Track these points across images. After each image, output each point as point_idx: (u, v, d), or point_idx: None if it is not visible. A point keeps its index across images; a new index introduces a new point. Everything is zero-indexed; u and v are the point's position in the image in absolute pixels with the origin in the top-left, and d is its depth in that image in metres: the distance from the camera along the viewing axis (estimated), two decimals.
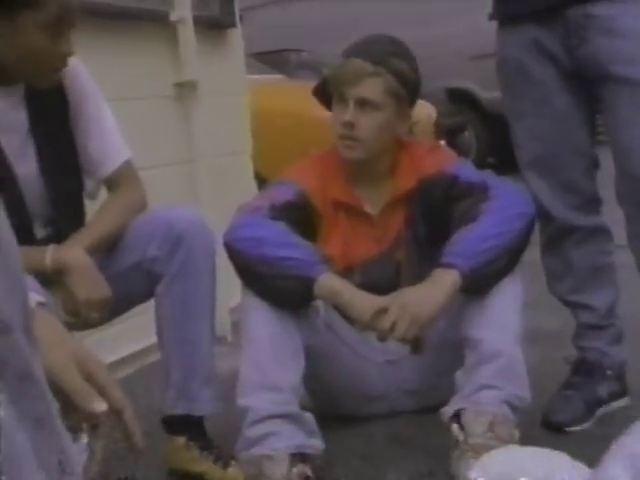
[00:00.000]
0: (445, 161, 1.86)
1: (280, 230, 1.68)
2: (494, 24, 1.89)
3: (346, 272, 1.76)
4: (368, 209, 1.86)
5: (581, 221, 1.87)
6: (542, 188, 1.84)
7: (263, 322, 1.66)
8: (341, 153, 1.82)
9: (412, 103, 1.85)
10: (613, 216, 1.88)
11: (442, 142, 4.54)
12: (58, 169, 1.64)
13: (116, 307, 1.62)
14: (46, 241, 1.59)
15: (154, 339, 1.75)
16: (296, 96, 4.89)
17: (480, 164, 1.87)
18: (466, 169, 1.84)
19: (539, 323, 1.94)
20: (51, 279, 1.51)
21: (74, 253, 1.54)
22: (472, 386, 1.63)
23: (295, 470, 1.57)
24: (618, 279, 1.95)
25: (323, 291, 1.63)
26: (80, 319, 1.53)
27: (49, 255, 1.53)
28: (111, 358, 2.23)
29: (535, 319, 1.82)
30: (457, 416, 1.60)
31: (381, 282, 1.76)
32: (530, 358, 1.70)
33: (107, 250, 1.65)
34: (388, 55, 1.78)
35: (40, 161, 1.61)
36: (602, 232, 1.91)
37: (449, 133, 5.88)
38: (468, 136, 7.22)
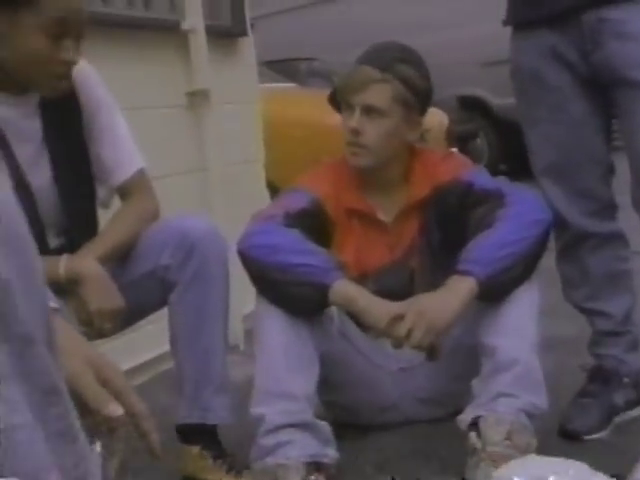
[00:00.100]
0: (460, 168, 1.85)
1: (294, 237, 1.67)
2: (506, 31, 1.89)
3: (360, 280, 1.75)
4: (382, 217, 1.86)
5: (597, 227, 1.86)
6: (557, 195, 1.83)
7: (277, 330, 1.65)
8: (348, 160, 1.82)
9: (423, 111, 1.84)
10: (629, 222, 1.87)
11: (454, 149, 4.53)
12: (72, 178, 1.64)
13: (129, 316, 1.62)
14: (59, 250, 1.59)
15: (167, 347, 1.74)
16: (308, 104, 4.90)
17: (492, 171, 1.87)
18: (481, 176, 1.84)
19: (555, 330, 1.93)
20: (64, 289, 1.51)
21: (88, 263, 1.54)
22: (489, 394, 1.62)
23: (310, 479, 1.56)
24: (634, 285, 1.93)
25: (338, 297, 1.62)
26: (93, 329, 1.53)
27: (63, 265, 1.53)
28: (124, 366, 2.23)
29: (551, 326, 1.81)
30: (474, 424, 1.59)
31: (395, 290, 1.75)
32: (546, 366, 1.68)
33: (120, 259, 1.65)
34: (396, 62, 1.78)
35: (54, 170, 1.61)
36: (618, 238, 1.89)
37: (461, 140, 5.87)
38: (480, 143, 7.22)
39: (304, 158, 3.05)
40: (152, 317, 1.76)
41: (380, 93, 1.76)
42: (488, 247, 1.65)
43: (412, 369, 1.88)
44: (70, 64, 1.52)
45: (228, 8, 3.10)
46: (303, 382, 1.65)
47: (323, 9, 8.01)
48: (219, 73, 2.89)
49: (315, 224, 1.76)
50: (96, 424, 0.78)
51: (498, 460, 1.47)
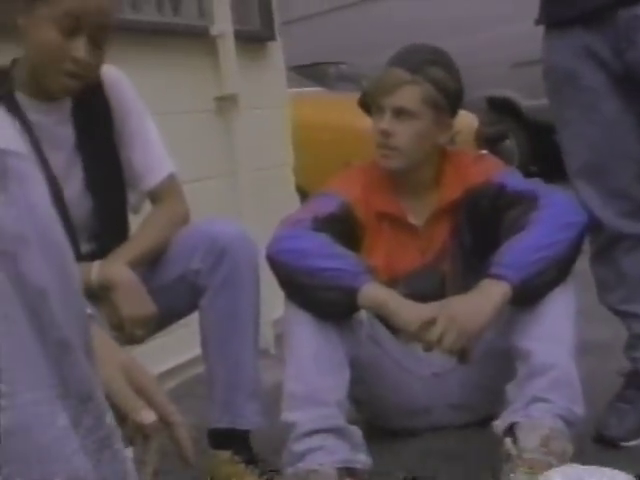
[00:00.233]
0: (492, 170, 1.83)
1: (323, 241, 1.67)
2: (536, 31, 1.87)
3: (390, 284, 1.73)
4: (412, 220, 1.84)
5: (632, 228, 1.82)
6: (592, 195, 1.80)
7: (306, 335, 1.64)
8: (379, 162, 1.81)
9: (453, 113, 1.83)
10: None
11: (484, 151, 4.50)
12: (104, 184, 1.65)
13: (160, 321, 1.62)
14: (90, 256, 1.60)
15: (198, 351, 1.74)
16: (336, 108, 4.90)
17: (522, 173, 1.86)
18: (514, 177, 1.81)
19: (590, 334, 1.90)
20: (96, 294, 1.52)
21: (120, 269, 1.55)
22: (524, 399, 1.59)
23: None
24: None
25: (367, 301, 1.61)
26: (125, 335, 1.54)
27: (95, 271, 1.54)
28: (155, 370, 2.24)
29: (586, 330, 1.78)
30: (509, 430, 1.57)
31: (426, 294, 1.73)
32: (581, 370, 1.65)
33: (150, 263, 1.66)
34: (427, 63, 1.77)
35: (86, 176, 1.62)
36: None
37: (490, 142, 5.83)
38: (510, 145, 7.16)
39: (333, 162, 3.04)
40: (183, 321, 1.76)
41: (410, 95, 1.75)
42: (521, 251, 1.62)
43: (444, 374, 1.86)
44: (81, 63, 1.49)
45: (257, 13, 3.11)
46: (334, 387, 1.64)
47: (351, 13, 8.02)
48: (248, 78, 2.90)
49: (344, 228, 1.75)
50: (129, 431, 0.78)
51: (535, 466, 1.45)
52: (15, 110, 1.53)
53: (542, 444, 1.51)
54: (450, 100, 1.79)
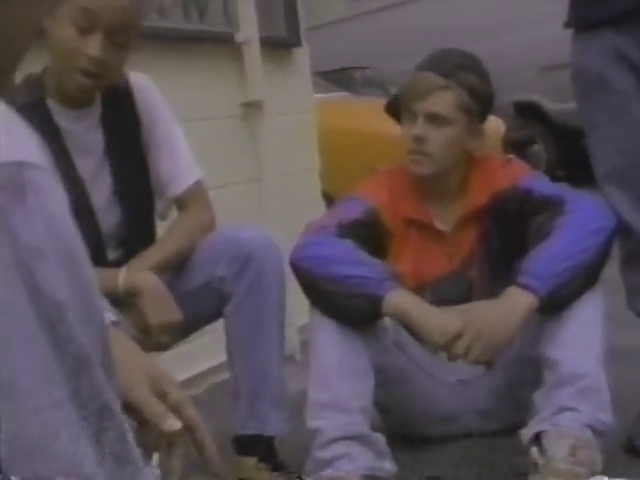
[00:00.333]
0: (519, 174, 1.81)
1: (347, 248, 1.66)
2: (563, 35, 1.84)
3: (417, 290, 1.72)
4: (440, 226, 1.83)
5: None
6: (621, 200, 1.78)
7: (331, 342, 1.64)
8: (408, 168, 1.79)
9: (483, 118, 1.81)
10: None
11: (511, 156, 4.46)
12: (132, 190, 1.66)
13: (185, 327, 1.63)
14: (117, 262, 1.61)
15: (223, 357, 1.74)
16: (362, 113, 4.90)
17: (550, 178, 1.85)
18: (541, 182, 1.79)
19: (619, 340, 1.87)
20: (122, 300, 1.53)
21: (146, 276, 1.55)
22: (552, 408, 1.57)
23: None
24: None
25: (391, 309, 1.60)
26: (151, 341, 1.54)
27: (121, 277, 1.54)
28: (180, 377, 2.24)
29: (615, 336, 1.75)
30: (537, 439, 1.55)
31: (453, 300, 1.72)
32: (610, 377, 1.63)
33: (175, 269, 1.66)
34: (459, 68, 1.75)
35: (114, 183, 1.63)
36: None
37: (518, 146, 5.79)
38: (537, 149, 7.11)
39: (359, 168, 3.04)
40: (208, 327, 1.76)
41: (444, 100, 1.73)
42: (549, 260, 1.60)
43: (471, 381, 1.84)
44: (95, 61, 1.47)
45: (282, 19, 3.12)
46: (358, 394, 1.63)
47: (376, 18, 8.01)
48: (273, 84, 2.90)
49: (369, 234, 1.74)
50: (154, 437, 0.78)
51: (561, 476, 1.43)
52: (45, 117, 1.54)
53: (570, 453, 1.49)
54: (482, 105, 1.78)
